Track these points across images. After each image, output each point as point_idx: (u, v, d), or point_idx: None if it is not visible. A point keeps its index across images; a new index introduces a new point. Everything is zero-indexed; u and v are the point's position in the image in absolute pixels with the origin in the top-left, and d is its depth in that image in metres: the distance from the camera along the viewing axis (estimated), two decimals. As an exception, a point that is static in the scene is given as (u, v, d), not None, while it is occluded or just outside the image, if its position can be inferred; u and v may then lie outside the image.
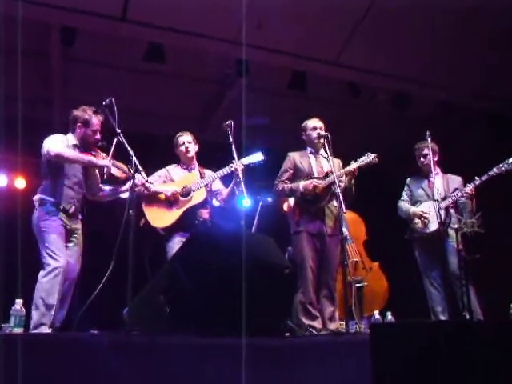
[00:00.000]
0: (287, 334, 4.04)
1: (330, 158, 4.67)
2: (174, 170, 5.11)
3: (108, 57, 6.19)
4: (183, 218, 4.84)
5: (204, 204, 4.98)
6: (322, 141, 4.87)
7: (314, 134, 5.00)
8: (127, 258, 3.66)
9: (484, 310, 4.99)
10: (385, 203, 7.10)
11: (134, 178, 4.08)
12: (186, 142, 5.06)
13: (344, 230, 4.82)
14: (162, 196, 4.88)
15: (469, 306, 4.68)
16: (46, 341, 3.01)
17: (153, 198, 4.86)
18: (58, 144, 4.27)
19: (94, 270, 4.28)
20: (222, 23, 5.74)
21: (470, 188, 5.10)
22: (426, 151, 5.30)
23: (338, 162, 5.03)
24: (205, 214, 4.99)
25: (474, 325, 2.51)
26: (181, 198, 4.89)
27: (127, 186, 4.49)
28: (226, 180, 5.06)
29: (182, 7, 5.48)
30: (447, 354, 2.30)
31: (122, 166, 4.41)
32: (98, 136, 4.46)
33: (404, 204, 5.63)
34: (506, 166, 5.02)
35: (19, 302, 4.09)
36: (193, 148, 5.09)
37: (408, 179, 5.73)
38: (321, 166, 5.03)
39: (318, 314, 4.72)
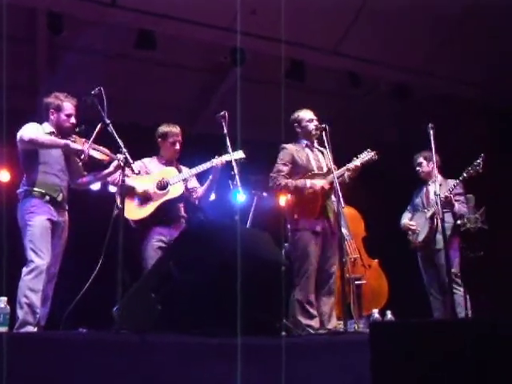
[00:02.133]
0: (283, 334, 3.94)
1: (328, 150, 4.55)
2: (150, 162, 4.93)
3: (97, 44, 6.05)
4: (158, 211, 4.67)
5: (181, 199, 4.83)
6: (318, 132, 4.74)
7: (312, 126, 4.85)
8: (116, 255, 3.57)
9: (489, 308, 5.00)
10: (385, 198, 7.03)
11: (124, 169, 3.97)
12: (178, 142, 4.91)
13: (343, 225, 4.74)
14: (137, 189, 4.71)
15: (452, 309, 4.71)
16: (32, 340, 2.94)
17: (131, 190, 4.64)
18: (31, 130, 4.17)
19: (83, 266, 4.18)
20: (216, 10, 5.60)
21: (445, 195, 5.13)
22: (419, 160, 5.65)
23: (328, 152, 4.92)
24: (180, 208, 4.88)
25: (476, 324, 2.40)
26: (157, 191, 4.72)
27: (110, 168, 4.38)
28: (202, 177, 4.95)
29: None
30: (449, 353, 2.19)
31: (103, 148, 4.29)
32: (73, 120, 4.36)
33: (403, 215, 5.87)
34: (474, 168, 5.14)
35: (3, 299, 3.97)
36: (180, 146, 4.94)
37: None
38: (318, 160, 4.90)
39: (315, 313, 4.62)
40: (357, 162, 4.72)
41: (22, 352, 2.56)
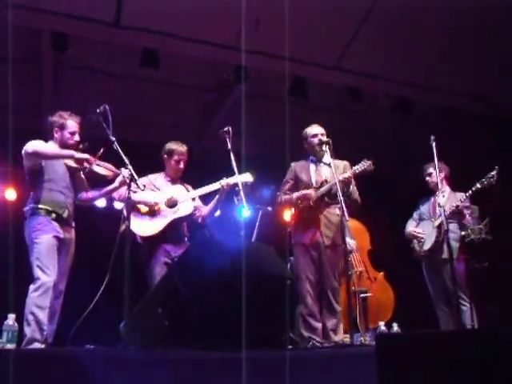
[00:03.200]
0: (290, 347, 3.93)
1: (332, 163, 4.57)
2: (156, 179, 4.94)
3: (102, 63, 6.09)
4: (168, 228, 4.69)
5: (188, 217, 4.85)
6: (324, 147, 4.75)
7: (315, 141, 4.90)
8: (123, 271, 3.59)
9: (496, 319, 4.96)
10: (389, 211, 7.01)
11: (130, 186, 3.99)
12: (183, 161, 4.93)
13: (347, 239, 4.73)
14: (144, 207, 4.72)
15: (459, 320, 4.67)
16: (40, 356, 2.93)
17: (135, 206, 4.66)
18: (35, 143, 4.23)
19: (90, 283, 4.18)
20: (219, 28, 5.63)
21: (457, 204, 5.15)
22: (429, 170, 5.52)
23: (343, 164, 4.93)
24: (185, 227, 4.90)
25: (482, 335, 2.40)
26: (166, 209, 4.74)
27: (115, 184, 4.39)
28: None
29: (178, 12, 5.36)
30: (455, 365, 2.19)
31: (108, 164, 4.32)
32: (77, 138, 4.41)
33: (408, 223, 5.78)
34: (488, 180, 5.10)
35: (12, 316, 4.01)
36: (184, 164, 4.96)
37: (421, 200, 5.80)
38: (320, 174, 4.92)
39: (318, 326, 4.61)
40: (348, 173, 4.70)
41: (29, 368, 2.57)
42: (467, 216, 5.22)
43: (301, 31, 5.61)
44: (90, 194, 4.57)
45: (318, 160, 4.98)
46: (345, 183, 4.69)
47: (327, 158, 4.83)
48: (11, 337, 3.95)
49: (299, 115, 5.52)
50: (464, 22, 5.74)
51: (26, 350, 3.70)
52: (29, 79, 6.20)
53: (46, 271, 4.02)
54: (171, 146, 4.95)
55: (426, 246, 5.40)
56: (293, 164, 5.05)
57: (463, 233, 5.05)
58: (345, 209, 4.22)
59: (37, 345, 3.91)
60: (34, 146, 4.19)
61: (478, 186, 5.13)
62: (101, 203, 6.33)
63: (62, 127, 4.40)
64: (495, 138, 7.09)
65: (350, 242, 5.49)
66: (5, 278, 3.98)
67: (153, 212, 4.71)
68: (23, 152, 4.21)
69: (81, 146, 4.39)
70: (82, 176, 4.51)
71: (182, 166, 4.93)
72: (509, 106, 6.88)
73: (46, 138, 4.43)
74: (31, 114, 6.33)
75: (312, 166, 4.97)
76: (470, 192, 5.18)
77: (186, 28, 5.69)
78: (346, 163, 4.95)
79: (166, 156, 4.97)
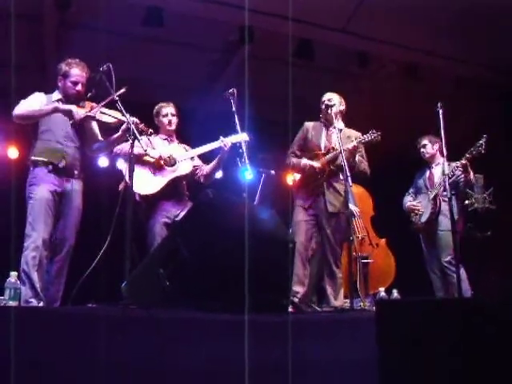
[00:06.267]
0: (290, 310, 3.95)
1: (343, 130, 4.60)
2: (153, 139, 4.86)
3: (105, 22, 5.98)
4: (167, 188, 4.67)
5: (187, 177, 4.85)
6: (329, 111, 4.75)
7: (323, 106, 4.93)
8: (125, 230, 3.59)
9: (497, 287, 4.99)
10: (393, 178, 7.00)
11: (133, 142, 3.95)
12: (170, 114, 4.92)
13: (351, 205, 4.73)
14: (147, 160, 4.67)
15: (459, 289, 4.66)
16: (41, 315, 2.92)
17: (136, 163, 4.48)
18: (18, 107, 4.12)
19: (91, 241, 4.18)
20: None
21: (461, 162, 5.13)
22: (423, 142, 5.63)
23: (355, 135, 4.91)
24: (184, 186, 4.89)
25: (482, 303, 2.41)
26: (166, 168, 4.71)
27: (119, 133, 4.27)
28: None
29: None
30: (454, 332, 2.20)
31: (113, 112, 4.22)
32: (79, 87, 4.27)
33: (405, 198, 5.82)
34: (476, 149, 5.07)
35: (14, 274, 4.00)
36: (175, 121, 4.95)
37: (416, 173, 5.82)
38: (330, 140, 4.93)
39: (299, 289, 4.67)
40: (354, 143, 4.70)
41: (30, 326, 2.58)
42: (471, 174, 5.17)
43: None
44: (96, 145, 4.45)
45: (330, 124, 4.96)
46: (350, 153, 4.69)
47: (339, 124, 4.85)
48: (13, 294, 3.96)
49: (306, 78, 5.47)
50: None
51: (27, 308, 3.70)
52: (31, 37, 6.11)
53: (36, 228, 3.97)
54: (158, 105, 4.98)
55: (423, 219, 5.46)
56: (306, 123, 5.07)
57: (467, 202, 5.06)
58: (348, 174, 4.22)
59: (33, 302, 3.91)
60: (15, 111, 4.09)
61: (467, 156, 5.12)
62: (103, 162, 6.30)
63: (65, 76, 4.28)
64: (503, 106, 7.03)
65: (353, 208, 5.49)
66: (8, 236, 3.98)
67: (158, 165, 4.69)
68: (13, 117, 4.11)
69: (89, 95, 4.30)
70: (94, 127, 4.42)
71: (170, 118, 4.91)
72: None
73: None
74: (33, 72, 6.28)
75: (323, 130, 5.01)
76: (460, 162, 5.15)
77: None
78: (358, 134, 4.93)
79: (155, 118, 4.99)
